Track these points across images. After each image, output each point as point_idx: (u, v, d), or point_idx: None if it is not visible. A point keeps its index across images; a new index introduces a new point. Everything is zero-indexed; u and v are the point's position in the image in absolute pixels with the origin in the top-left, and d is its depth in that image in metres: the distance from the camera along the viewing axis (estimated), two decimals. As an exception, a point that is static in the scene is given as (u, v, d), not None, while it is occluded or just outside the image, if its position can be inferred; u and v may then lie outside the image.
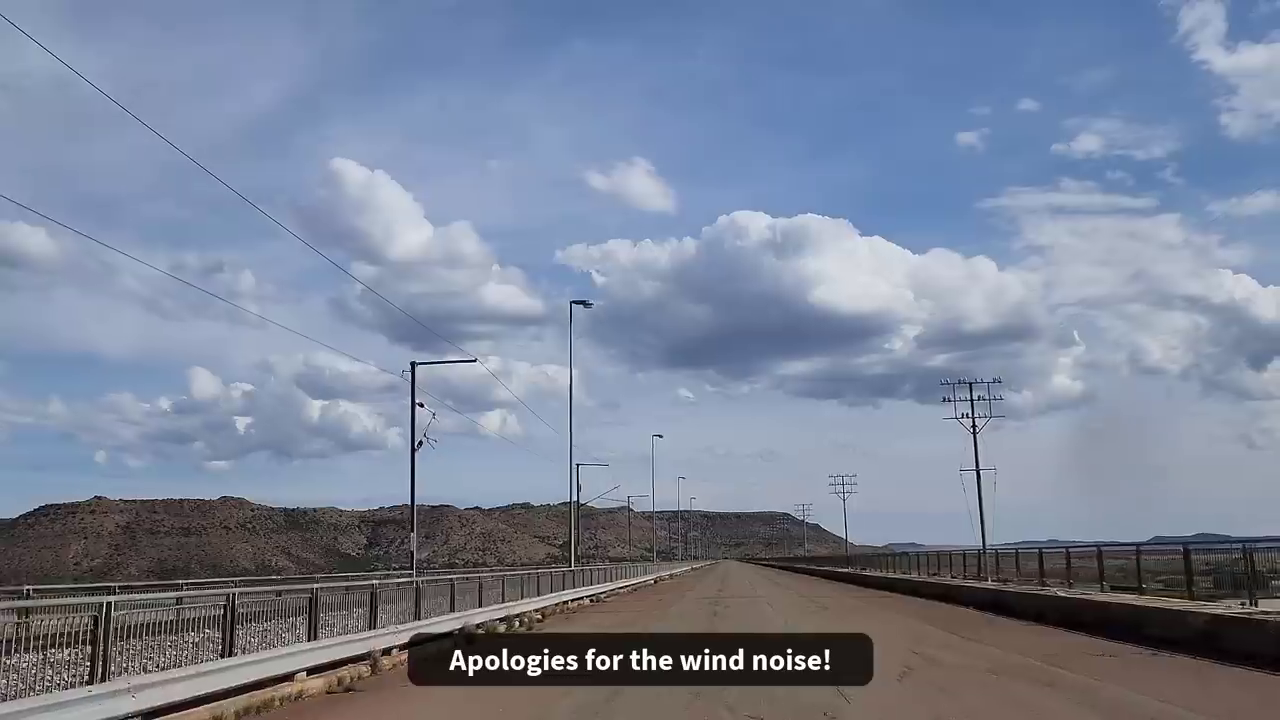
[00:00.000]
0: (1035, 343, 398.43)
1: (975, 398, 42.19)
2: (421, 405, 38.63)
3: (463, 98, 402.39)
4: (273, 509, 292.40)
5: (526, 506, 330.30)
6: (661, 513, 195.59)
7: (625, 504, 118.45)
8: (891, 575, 52.04)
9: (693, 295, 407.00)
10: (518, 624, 25.21)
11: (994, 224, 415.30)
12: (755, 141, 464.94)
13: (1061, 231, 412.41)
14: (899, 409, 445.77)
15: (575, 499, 49.17)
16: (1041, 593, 27.98)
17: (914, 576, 44.72)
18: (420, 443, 38.68)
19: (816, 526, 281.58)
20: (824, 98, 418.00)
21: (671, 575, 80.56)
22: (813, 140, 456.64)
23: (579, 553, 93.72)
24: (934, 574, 44.75)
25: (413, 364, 38.78)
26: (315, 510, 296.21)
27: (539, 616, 28.22)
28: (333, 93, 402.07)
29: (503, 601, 26.32)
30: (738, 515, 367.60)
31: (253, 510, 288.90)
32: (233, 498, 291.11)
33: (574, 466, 43.23)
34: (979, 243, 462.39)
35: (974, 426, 41.23)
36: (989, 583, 36.58)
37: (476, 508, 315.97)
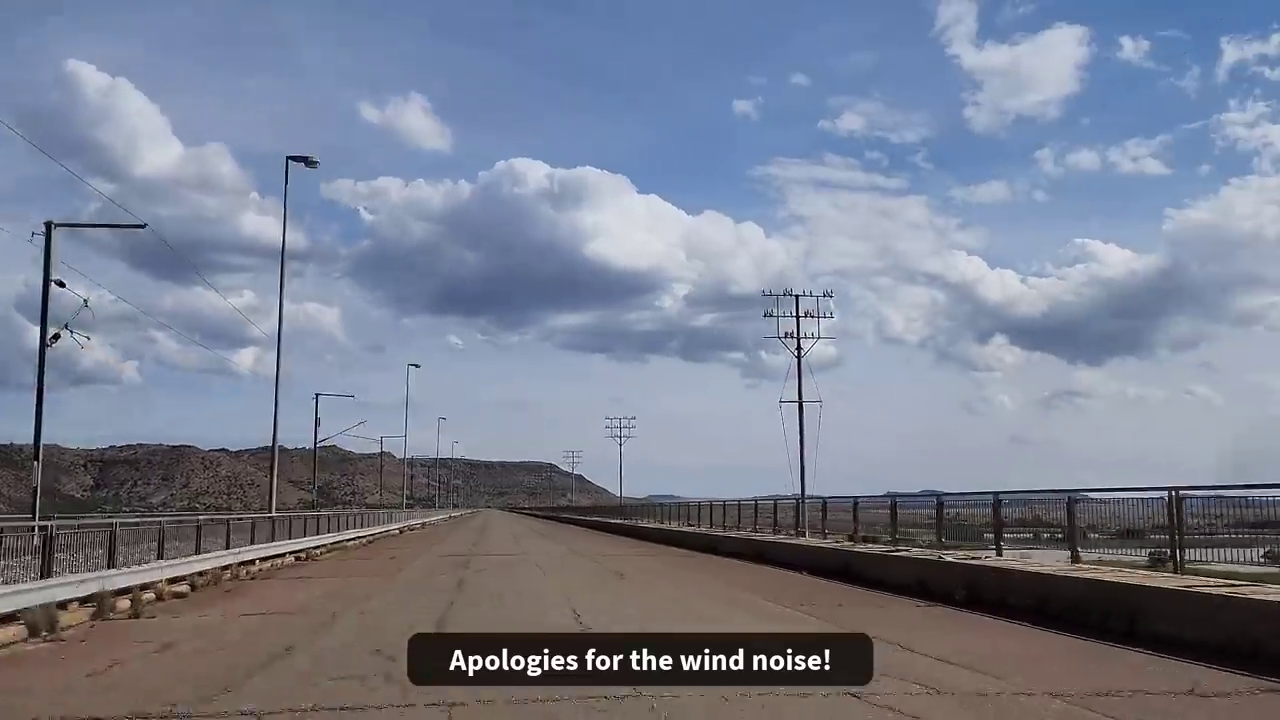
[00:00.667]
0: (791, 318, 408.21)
1: (801, 314, 34.27)
2: (61, 285, 26.90)
3: (222, 7, 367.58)
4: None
5: (280, 449, 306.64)
6: (424, 459, 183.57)
7: (379, 446, 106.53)
8: (679, 528, 44.13)
9: (466, 240, 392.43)
10: (124, 603, 14.78)
11: (763, 191, 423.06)
12: (539, 90, 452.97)
13: (823, 204, 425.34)
14: (666, 365, 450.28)
15: (277, 426, 37.92)
16: (906, 556, 20.10)
17: (713, 531, 36.74)
18: (57, 335, 26.96)
19: (581, 477, 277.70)
20: (609, 52, 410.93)
21: (424, 524, 70.23)
22: (596, 94, 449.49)
23: (318, 497, 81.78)
24: (725, 527, 37.06)
25: (48, 224, 26.88)
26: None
27: (185, 589, 17.66)
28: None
29: (107, 567, 15.64)
30: (502, 464, 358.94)
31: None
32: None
33: (280, 354, 32.30)
34: (749, 209, 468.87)
35: (799, 348, 33.32)
36: (809, 538, 28.95)
37: (223, 449, 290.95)
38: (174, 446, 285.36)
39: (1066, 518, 16.32)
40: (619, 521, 63.50)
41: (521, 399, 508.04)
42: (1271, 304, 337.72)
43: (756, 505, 34.50)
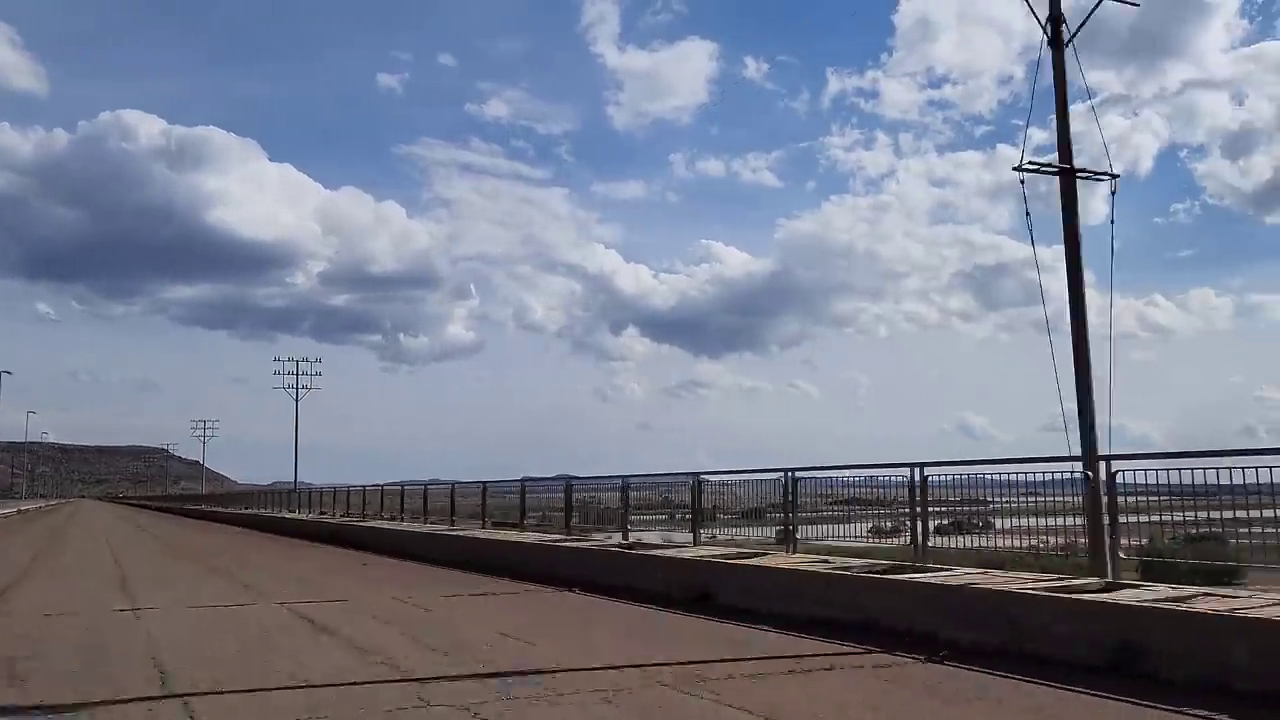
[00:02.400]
0: (436, 291, 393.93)
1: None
2: None
3: None
4: None
5: None
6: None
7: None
8: (436, 529, 28.46)
9: (61, 196, 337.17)
10: None
11: (407, 171, 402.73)
12: (158, 38, 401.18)
13: (468, 188, 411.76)
14: (297, 346, 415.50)
15: None
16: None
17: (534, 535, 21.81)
18: None
19: (197, 463, 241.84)
20: (241, 6, 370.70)
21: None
22: (224, 49, 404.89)
23: None
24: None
25: None
26: None
27: None
28: None
29: None
30: (100, 449, 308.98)
31: None
32: None
33: None
34: (391, 187, 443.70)
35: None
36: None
37: None
38: None
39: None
40: (295, 517, 38.54)
41: (128, 377, 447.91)
42: (861, 309, 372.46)
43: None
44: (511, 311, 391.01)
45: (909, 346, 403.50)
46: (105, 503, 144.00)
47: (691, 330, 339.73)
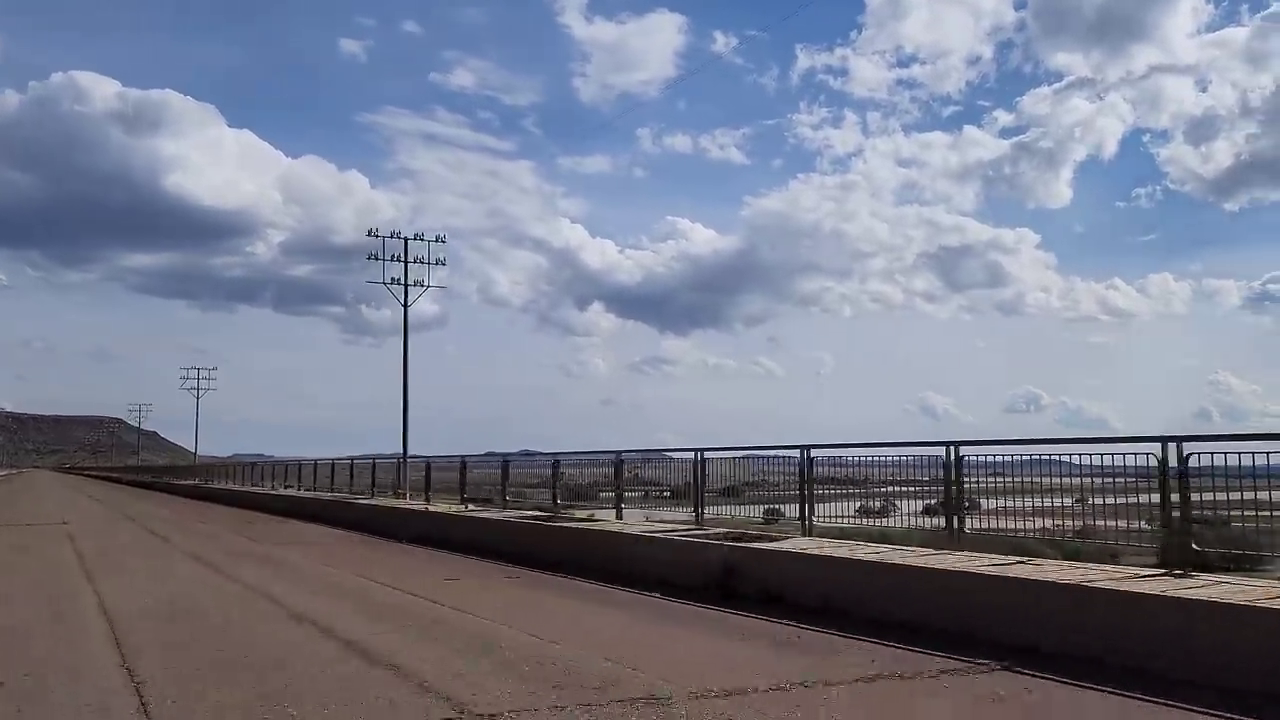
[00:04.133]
0: (400, 263, 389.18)
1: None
2: None
3: None
4: None
5: None
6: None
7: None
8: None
9: (12, 160, 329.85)
10: None
11: (370, 140, 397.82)
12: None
13: (432, 159, 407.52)
14: (257, 316, 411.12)
15: None
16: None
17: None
18: None
19: (154, 434, 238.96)
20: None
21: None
22: (182, 10, 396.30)
23: None
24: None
25: None
26: None
27: None
28: None
29: None
30: (56, 419, 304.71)
31: None
32: None
33: None
34: (354, 156, 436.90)
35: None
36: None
37: None
38: None
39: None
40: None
41: (84, 345, 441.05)
42: (826, 288, 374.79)
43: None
44: (476, 285, 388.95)
45: (873, 326, 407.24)
46: (60, 473, 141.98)
47: (657, 307, 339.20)
